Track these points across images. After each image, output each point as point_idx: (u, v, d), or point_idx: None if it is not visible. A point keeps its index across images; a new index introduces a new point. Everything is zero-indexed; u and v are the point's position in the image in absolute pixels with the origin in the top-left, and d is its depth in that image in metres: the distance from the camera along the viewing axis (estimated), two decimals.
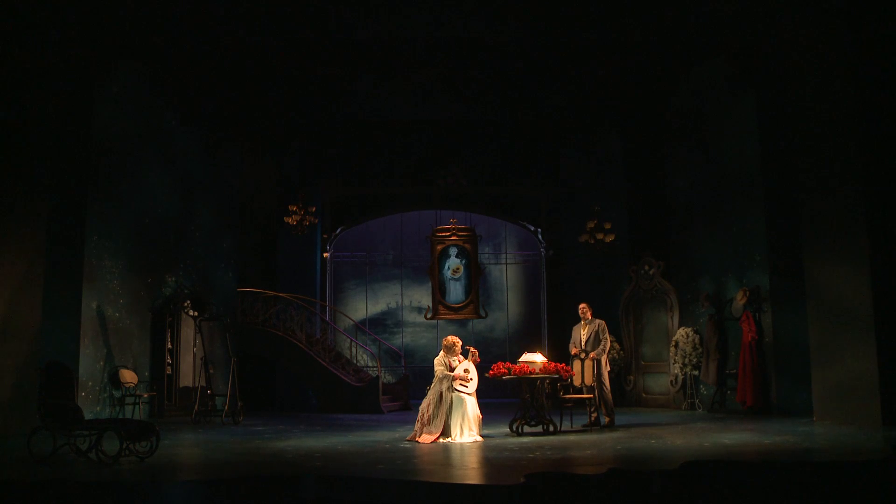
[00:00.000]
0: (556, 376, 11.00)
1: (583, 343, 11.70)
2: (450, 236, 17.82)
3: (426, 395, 10.61)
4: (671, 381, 15.09)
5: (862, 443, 9.06)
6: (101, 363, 12.58)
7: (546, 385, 11.16)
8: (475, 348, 11.03)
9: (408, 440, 10.25)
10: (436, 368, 10.61)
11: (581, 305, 12.02)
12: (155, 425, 8.64)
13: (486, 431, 10.55)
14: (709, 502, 6.97)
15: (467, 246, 17.82)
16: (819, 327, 11.64)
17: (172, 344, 14.13)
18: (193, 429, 11.94)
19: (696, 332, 14.64)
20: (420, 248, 19.15)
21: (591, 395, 11.49)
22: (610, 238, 15.80)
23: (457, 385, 10.40)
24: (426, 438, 10.10)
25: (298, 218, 16.29)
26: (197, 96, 15.29)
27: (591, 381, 11.52)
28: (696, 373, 14.46)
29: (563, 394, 11.46)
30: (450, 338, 10.90)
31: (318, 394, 16.39)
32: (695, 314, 14.97)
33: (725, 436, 10.08)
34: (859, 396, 10.83)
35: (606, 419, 11.58)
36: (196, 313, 13.85)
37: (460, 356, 10.78)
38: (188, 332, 14.39)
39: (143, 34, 13.24)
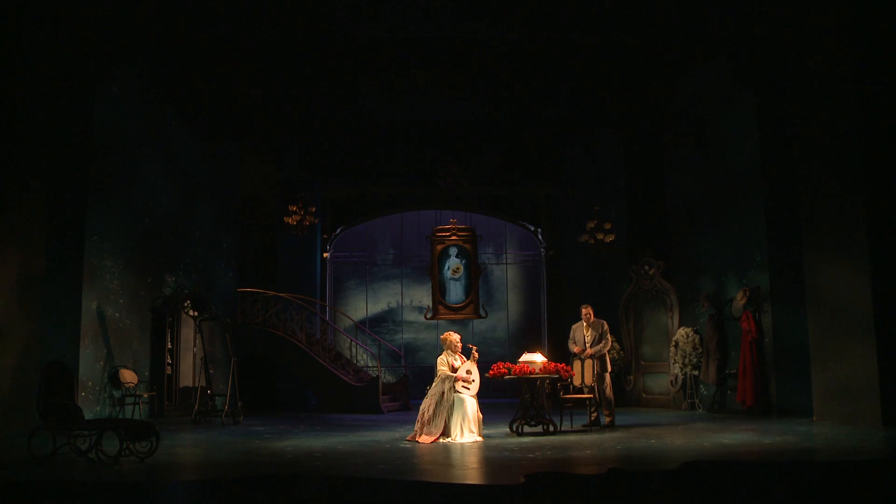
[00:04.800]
0: (556, 376, 10.99)
1: (587, 344, 11.70)
2: (450, 236, 17.82)
3: (426, 395, 10.61)
4: (671, 381, 15.09)
5: (862, 443, 9.06)
6: (101, 363, 12.58)
7: (546, 385, 11.17)
8: (476, 348, 10.99)
9: (408, 440, 10.25)
10: (439, 368, 10.60)
11: (585, 310, 11.96)
12: (155, 425, 8.64)
13: (486, 431, 10.54)
14: (709, 502, 6.97)
15: (467, 246, 17.82)
16: (819, 327, 11.64)
17: (172, 344, 14.14)
18: (193, 429, 11.94)
19: (696, 332, 14.64)
20: (420, 248, 19.15)
21: (591, 395, 11.49)
22: (610, 238, 15.79)
23: (458, 386, 10.39)
24: (426, 439, 10.09)
25: (298, 218, 16.29)
26: (197, 96, 15.29)
27: (591, 381, 11.52)
28: (696, 373, 14.46)
29: (563, 394, 11.46)
30: (447, 335, 10.89)
31: (318, 394, 16.39)
32: (695, 314, 14.97)
33: (725, 436, 10.08)
34: (859, 396, 10.83)
35: (607, 419, 11.58)
36: (196, 313, 13.85)
37: (461, 355, 10.77)
38: (188, 332, 14.39)
39: (143, 34, 13.24)
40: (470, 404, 10.29)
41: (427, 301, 18.50)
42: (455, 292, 17.83)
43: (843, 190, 11.26)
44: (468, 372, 10.50)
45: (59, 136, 11.99)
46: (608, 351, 11.92)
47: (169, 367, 14.04)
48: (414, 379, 17.40)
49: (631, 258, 16.43)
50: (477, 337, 18.95)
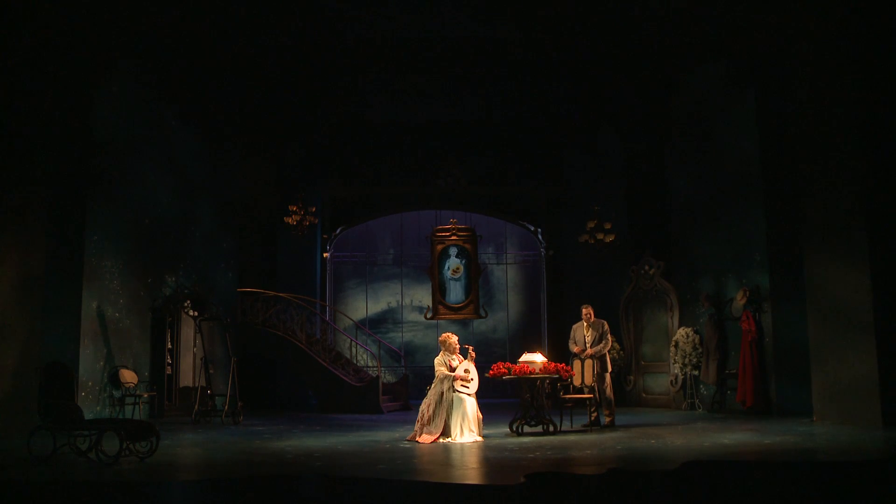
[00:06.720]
0: (556, 376, 10.99)
1: (588, 344, 11.71)
2: (450, 236, 17.82)
3: (426, 395, 10.61)
4: (671, 381, 15.09)
5: (862, 443, 9.06)
6: (101, 363, 12.58)
7: (546, 385, 11.17)
8: (473, 347, 10.99)
9: (408, 440, 10.25)
10: (437, 369, 10.60)
11: (585, 310, 11.96)
12: (155, 425, 8.65)
13: (486, 431, 10.54)
14: (709, 502, 6.98)
15: (467, 246, 17.82)
16: (819, 327, 11.64)
17: (172, 344, 14.13)
18: (193, 429, 11.94)
19: (696, 332, 14.64)
20: (420, 248, 19.14)
21: (591, 395, 11.49)
22: (610, 238, 15.79)
23: (458, 385, 10.39)
24: (426, 438, 10.10)
25: (298, 218, 16.28)
26: (197, 96, 15.28)
27: (591, 381, 11.52)
28: (696, 373, 14.46)
29: (563, 394, 11.46)
30: (447, 336, 10.89)
31: (318, 394, 16.39)
32: (695, 314, 14.96)
33: (725, 436, 10.08)
34: (859, 396, 10.83)
35: (607, 419, 11.58)
36: (196, 313, 13.85)
37: (459, 355, 10.77)
38: (188, 332, 14.39)
39: (143, 34, 13.25)
40: (469, 404, 10.29)
41: (427, 301, 18.49)
42: (455, 292, 17.82)
43: (843, 190, 11.26)
44: (466, 371, 10.50)
45: (59, 136, 11.98)
46: (608, 351, 11.93)
47: (169, 367, 14.04)
48: (414, 379, 17.40)
49: (631, 258, 16.44)
50: (477, 337, 18.95)
